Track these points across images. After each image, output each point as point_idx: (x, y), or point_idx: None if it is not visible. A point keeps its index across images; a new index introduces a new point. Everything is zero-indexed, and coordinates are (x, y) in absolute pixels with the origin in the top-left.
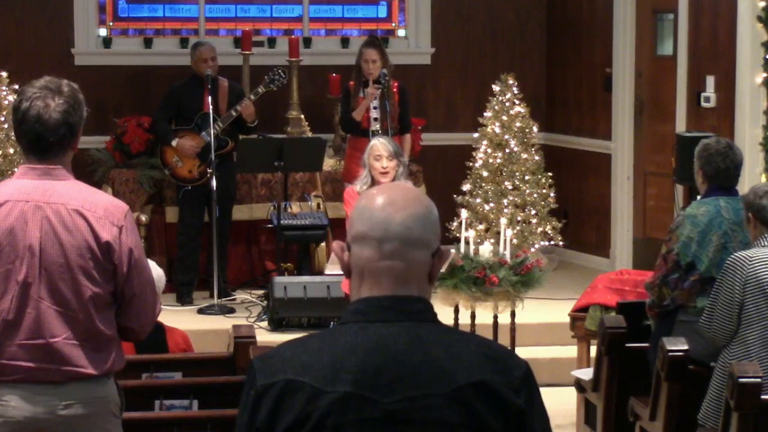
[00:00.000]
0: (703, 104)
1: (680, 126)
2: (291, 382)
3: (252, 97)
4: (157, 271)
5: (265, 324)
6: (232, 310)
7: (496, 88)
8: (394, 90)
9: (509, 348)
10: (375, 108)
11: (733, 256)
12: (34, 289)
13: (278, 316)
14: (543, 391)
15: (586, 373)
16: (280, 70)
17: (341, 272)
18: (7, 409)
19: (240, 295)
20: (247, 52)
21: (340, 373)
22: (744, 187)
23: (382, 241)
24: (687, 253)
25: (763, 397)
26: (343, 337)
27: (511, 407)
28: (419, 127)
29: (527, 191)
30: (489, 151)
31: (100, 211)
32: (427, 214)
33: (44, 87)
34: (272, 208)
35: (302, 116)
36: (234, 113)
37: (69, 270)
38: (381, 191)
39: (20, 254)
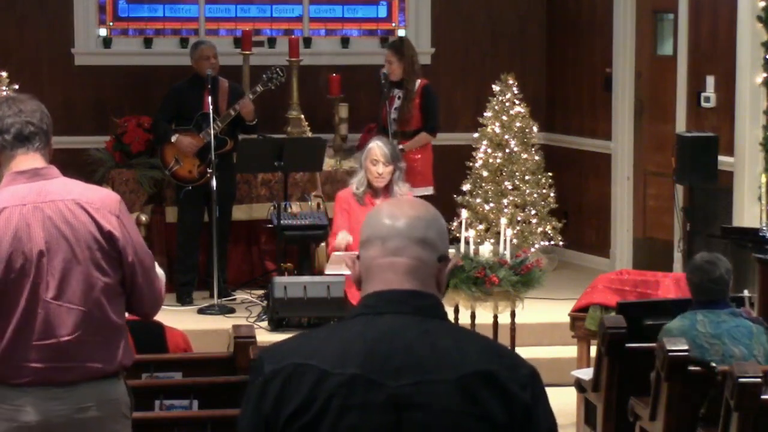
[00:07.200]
0: (703, 104)
1: (680, 126)
2: (299, 365)
3: (250, 96)
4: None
5: (265, 324)
6: (232, 310)
7: (496, 88)
8: (417, 91)
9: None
10: (396, 108)
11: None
12: (43, 290)
13: (278, 316)
14: None
15: (586, 373)
16: (278, 69)
17: (341, 272)
18: (20, 414)
19: (240, 295)
20: (247, 52)
21: (348, 357)
22: (745, 187)
23: (386, 239)
24: None
25: (763, 397)
26: (353, 327)
27: (516, 401)
28: None
29: (527, 191)
30: (489, 151)
31: (97, 202)
32: (433, 217)
33: (7, 97)
34: (272, 208)
35: (302, 116)
36: (233, 112)
37: (78, 264)
38: (388, 203)
39: (28, 257)
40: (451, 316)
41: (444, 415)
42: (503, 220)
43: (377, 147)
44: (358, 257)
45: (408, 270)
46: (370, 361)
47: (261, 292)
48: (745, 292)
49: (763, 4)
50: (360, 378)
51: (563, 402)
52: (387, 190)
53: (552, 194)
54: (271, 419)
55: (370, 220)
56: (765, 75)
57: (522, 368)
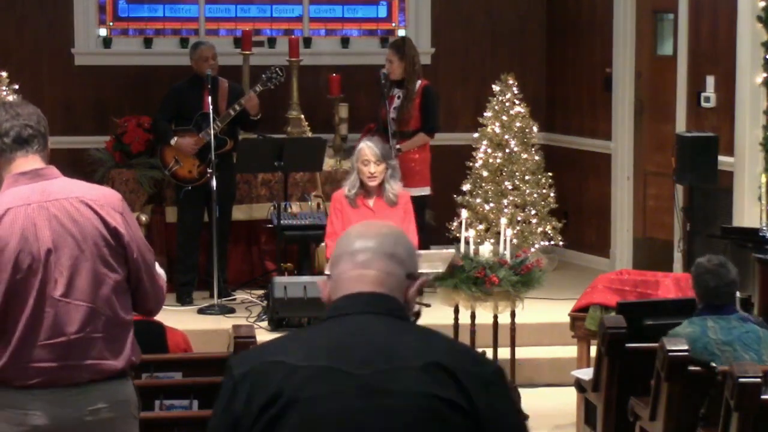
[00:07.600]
0: (703, 104)
1: (680, 126)
2: (267, 363)
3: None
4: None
5: (265, 324)
6: (232, 310)
7: (496, 88)
8: (418, 91)
9: (508, 350)
10: (395, 108)
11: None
12: (51, 288)
13: (278, 316)
14: (543, 391)
15: (586, 373)
16: (277, 68)
17: None
18: (31, 418)
19: (240, 295)
20: (247, 52)
21: (317, 352)
22: (745, 187)
23: (355, 254)
24: None
25: (763, 397)
26: (322, 326)
27: (479, 397)
28: None
29: (527, 191)
30: (489, 151)
31: (101, 199)
32: (402, 236)
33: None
34: (272, 208)
35: (302, 116)
36: (232, 112)
37: (86, 260)
38: (358, 225)
39: (36, 256)
40: (451, 316)
41: (412, 399)
42: (503, 220)
43: (367, 147)
44: (329, 277)
45: (376, 281)
46: (338, 353)
47: (261, 292)
48: (737, 294)
49: (763, 4)
50: (329, 369)
51: (563, 402)
52: (380, 190)
53: (552, 194)
54: (242, 418)
55: (341, 241)
56: (765, 75)
57: (486, 366)
